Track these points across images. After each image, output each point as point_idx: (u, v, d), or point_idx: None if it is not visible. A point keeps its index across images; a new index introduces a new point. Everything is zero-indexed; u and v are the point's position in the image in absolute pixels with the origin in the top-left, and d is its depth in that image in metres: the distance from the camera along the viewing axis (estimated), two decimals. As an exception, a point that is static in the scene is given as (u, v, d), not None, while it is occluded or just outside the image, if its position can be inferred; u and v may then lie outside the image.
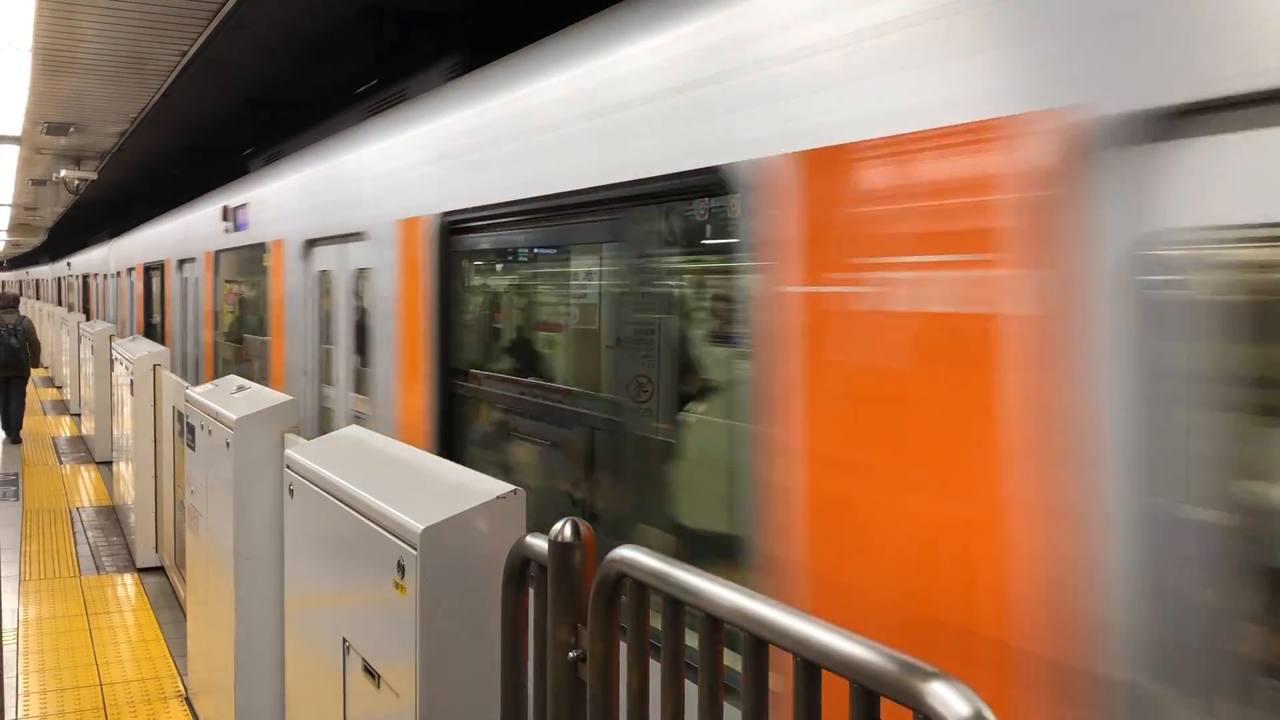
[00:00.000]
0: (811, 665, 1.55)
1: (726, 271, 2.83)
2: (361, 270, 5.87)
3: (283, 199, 7.50)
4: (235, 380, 5.23)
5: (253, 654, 4.36)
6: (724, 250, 2.83)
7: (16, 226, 34.38)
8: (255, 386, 4.94)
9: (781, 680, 1.63)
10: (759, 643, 1.67)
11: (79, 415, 15.92)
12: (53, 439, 14.80)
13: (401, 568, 2.58)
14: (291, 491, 3.55)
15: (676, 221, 3.25)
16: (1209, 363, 1.71)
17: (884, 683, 1.40)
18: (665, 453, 3.32)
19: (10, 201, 24.94)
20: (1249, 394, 1.68)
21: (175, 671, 5.98)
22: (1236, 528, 1.67)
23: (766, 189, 2.55)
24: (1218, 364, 1.70)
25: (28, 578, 7.87)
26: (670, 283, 3.34)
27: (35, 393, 19.24)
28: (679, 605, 1.87)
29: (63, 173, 16.37)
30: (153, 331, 14.09)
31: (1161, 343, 1.75)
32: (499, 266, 4.76)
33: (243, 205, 8.66)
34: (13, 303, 14.94)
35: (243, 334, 9.38)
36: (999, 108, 1.98)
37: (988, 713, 1.30)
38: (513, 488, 2.60)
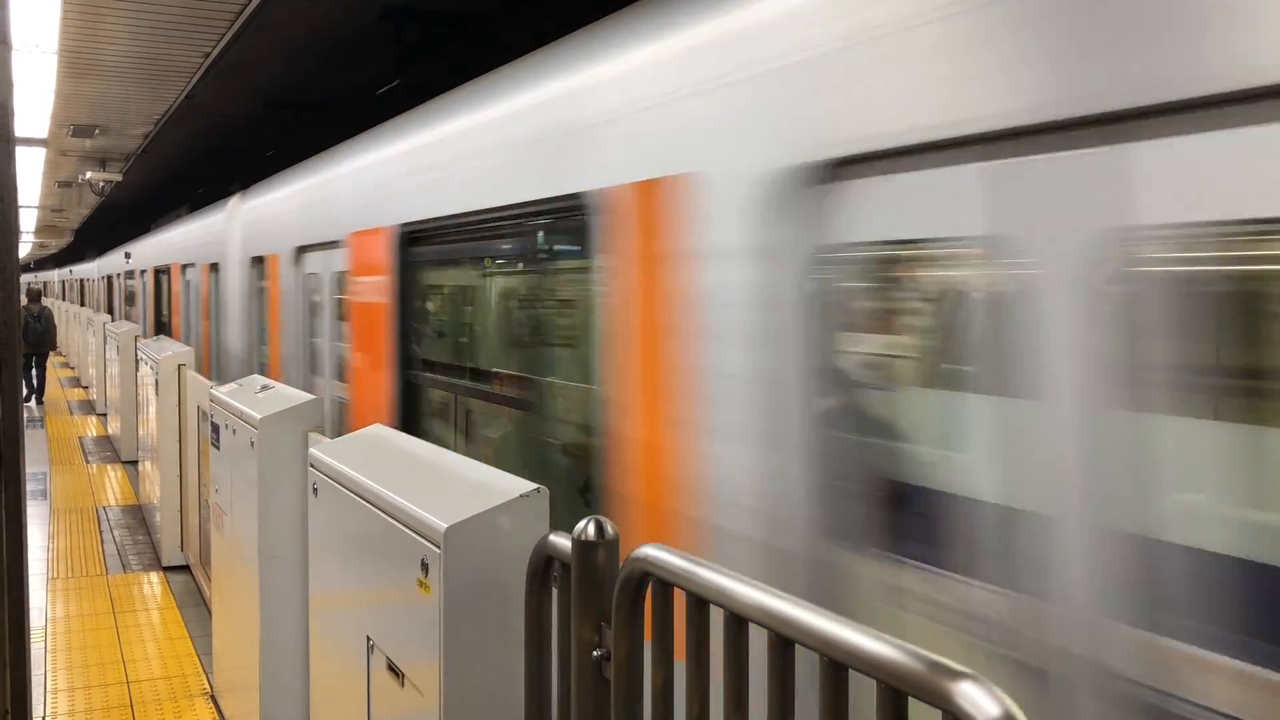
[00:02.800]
0: (838, 665, 1.54)
1: (589, 269, 3.51)
2: (340, 273, 6.33)
3: (281, 210, 8.05)
4: (259, 380, 5.26)
5: (277, 652, 4.38)
6: (588, 253, 3.49)
7: (43, 229, 34.70)
8: (279, 386, 4.96)
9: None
10: (785, 642, 1.66)
11: (105, 415, 16.06)
12: (79, 439, 14.94)
13: (425, 566, 2.58)
14: (315, 490, 3.56)
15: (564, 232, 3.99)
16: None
17: (912, 683, 1.39)
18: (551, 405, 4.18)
19: (37, 204, 25.16)
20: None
21: (201, 669, 6.02)
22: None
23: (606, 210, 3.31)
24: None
25: (55, 576, 7.94)
26: (556, 282, 4.18)
27: (63, 393, 20.29)
28: (704, 604, 1.86)
29: (88, 175, 16.50)
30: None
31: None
32: (441, 270, 5.35)
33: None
34: (37, 296, 19.79)
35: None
36: (703, 166, 2.87)
37: (1017, 713, 1.28)
38: (536, 486, 2.60)
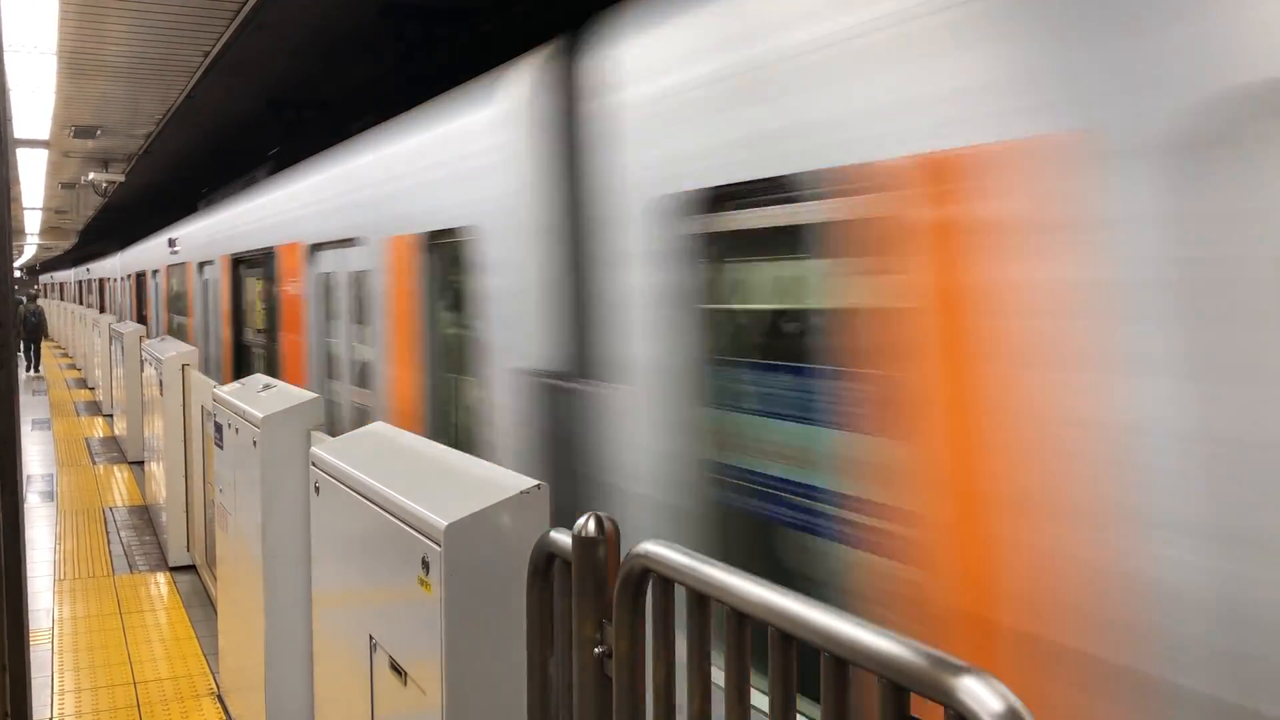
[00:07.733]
0: (840, 661, 1.52)
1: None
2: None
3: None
4: (261, 379, 5.25)
5: (282, 651, 4.37)
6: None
7: (48, 230, 34.80)
8: (281, 385, 4.95)
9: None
10: (786, 638, 1.64)
11: (111, 416, 16.09)
12: (86, 440, 14.97)
13: (426, 564, 2.57)
14: (317, 489, 3.55)
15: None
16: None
17: (914, 678, 1.37)
18: None
19: (41, 205, 25.22)
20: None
21: (207, 669, 6.02)
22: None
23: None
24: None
25: (63, 577, 7.96)
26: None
27: (69, 394, 20.54)
28: (705, 600, 1.85)
29: (91, 176, 16.53)
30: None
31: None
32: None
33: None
34: (33, 298, 28.36)
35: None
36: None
37: (1021, 709, 1.26)
38: (536, 482, 2.58)
